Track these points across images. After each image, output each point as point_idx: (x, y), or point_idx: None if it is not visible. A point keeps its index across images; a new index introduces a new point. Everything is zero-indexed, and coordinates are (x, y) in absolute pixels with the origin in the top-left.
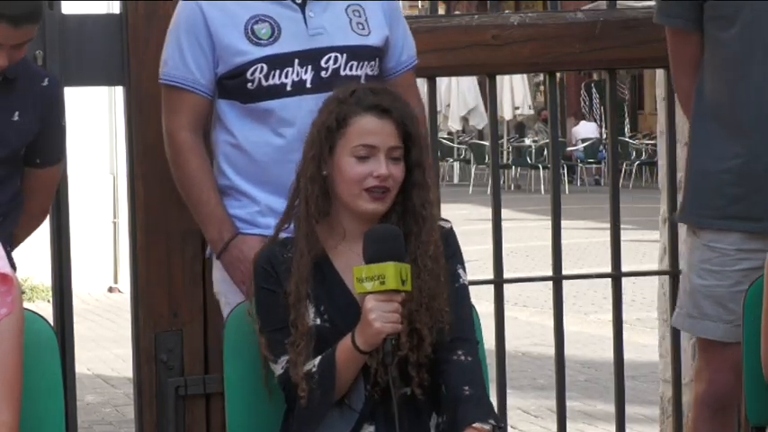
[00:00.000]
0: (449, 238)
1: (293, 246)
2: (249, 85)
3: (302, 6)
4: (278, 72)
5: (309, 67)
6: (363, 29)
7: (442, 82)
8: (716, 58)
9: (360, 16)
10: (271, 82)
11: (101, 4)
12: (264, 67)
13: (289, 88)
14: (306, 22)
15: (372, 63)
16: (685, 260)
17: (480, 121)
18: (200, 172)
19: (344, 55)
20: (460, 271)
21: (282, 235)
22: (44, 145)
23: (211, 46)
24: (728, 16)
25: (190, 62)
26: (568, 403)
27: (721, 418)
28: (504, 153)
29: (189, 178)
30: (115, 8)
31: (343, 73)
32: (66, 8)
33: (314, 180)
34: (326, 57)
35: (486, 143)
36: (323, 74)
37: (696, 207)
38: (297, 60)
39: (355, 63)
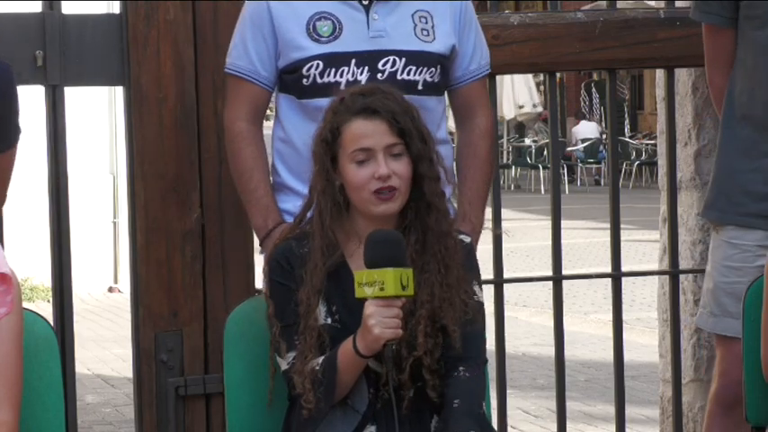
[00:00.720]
0: (469, 253)
1: (309, 243)
2: (304, 81)
3: (367, 8)
4: (333, 70)
5: (366, 68)
6: (428, 35)
7: None
8: (748, 57)
9: (426, 22)
10: (325, 80)
11: (101, 4)
12: (320, 64)
13: (342, 87)
14: (368, 24)
15: (433, 70)
16: (708, 260)
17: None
18: (252, 161)
19: (403, 59)
20: (476, 288)
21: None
22: None
23: (274, 39)
24: (762, 16)
25: (252, 53)
26: (568, 403)
27: (734, 417)
28: (504, 153)
29: (240, 166)
30: (115, 8)
31: (399, 77)
32: (66, 8)
33: (324, 192)
34: (384, 59)
35: None
36: (379, 76)
37: (720, 204)
38: (354, 60)
39: (414, 68)
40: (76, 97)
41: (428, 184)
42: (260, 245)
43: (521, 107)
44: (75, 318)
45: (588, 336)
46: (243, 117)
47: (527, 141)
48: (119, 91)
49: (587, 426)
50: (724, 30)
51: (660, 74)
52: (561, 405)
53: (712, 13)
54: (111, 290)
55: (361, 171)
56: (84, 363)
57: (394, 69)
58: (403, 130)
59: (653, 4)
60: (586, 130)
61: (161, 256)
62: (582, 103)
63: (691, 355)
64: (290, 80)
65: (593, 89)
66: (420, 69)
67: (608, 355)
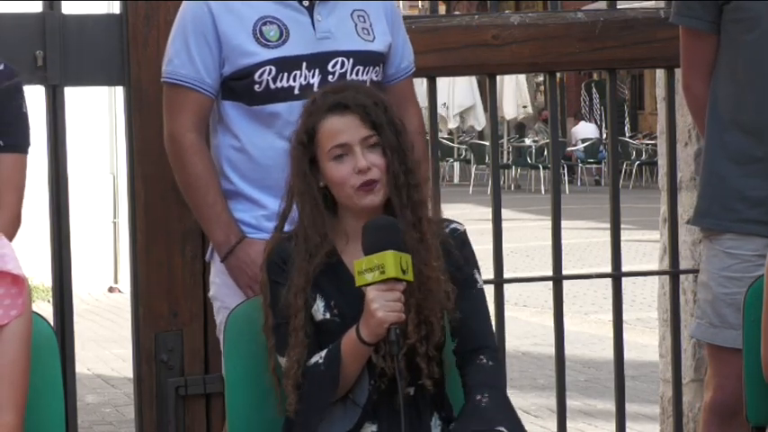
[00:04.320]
0: (464, 242)
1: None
2: (256, 87)
3: (310, 9)
4: (286, 75)
5: (317, 70)
6: (368, 34)
7: (441, 82)
8: (737, 61)
9: (364, 22)
10: (279, 85)
11: (101, 4)
12: (273, 69)
13: (296, 92)
14: (314, 26)
15: (377, 69)
16: (702, 269)
17: (480, 121)
18: (207, 174)
19: (351, 60)
20: (477, 276)
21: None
22: (7, 127)
23: (218, 46)
24: (751, 19)
25: (197, 61)
26: (568, 403)
27: (729, 426)
28: (505, 153)
29: (195, 181)
30: (115, 8)
31: (349, 78)
32: (67, 8)
33: (304, 195)
34: (333, 61)
35: (487, 143)
36: (330, 78)
37: (715, 211)
38: (305, 64)
39: (361, 68)
40: (76, 97)
41: (403, 176)
42: (222, 261)
43: (524, 107)
44: (75, 318)
45: (588, 336)
46: (191, 128)
47: (527, 141)
48: (119, 91)
49: (587, 425)
50: (705, 34)
51: (660, 74)
52: (561, 405)
53: (693, 17)
54: (111, 290)
55: (341, 167)
56: (84, 363)
57: (343, 71)
58: (375, 122)
59: (653, 4)
60: (586, 130)
61: (161, 256)
62: (582, 103)
63: (691, 355)
64: (239, 87)
65: (594, 89)
66: (366, 69)
67: (608, 355)
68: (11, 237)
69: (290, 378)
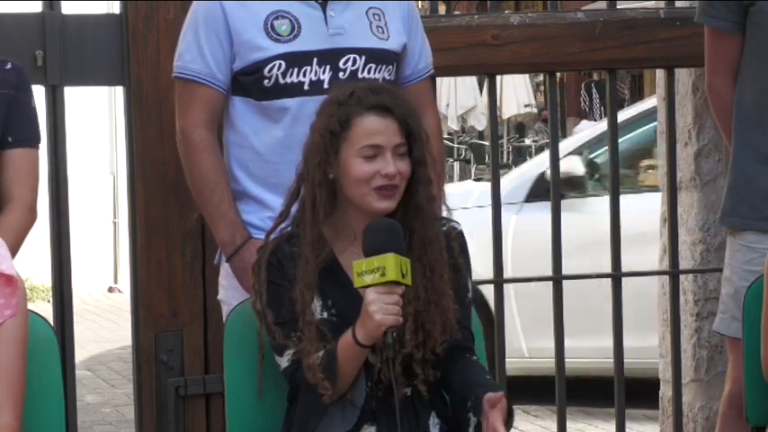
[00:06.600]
0: (462, 245)
1: (298, 241)
2: (266, 81)
3: (323, 5)
4: (296, 70)
5: (328, 66)
6: (383, 33)
7: (442, 82)
8: (762, 62)
9: (380, 20)
10: (288, 80)
11: (101, 4)
12: (283, 64)
13: (306, 87)
14: (326, 22)
15: (390, 67)
16: (726, 265)
17: (481, 122)
18: (215, 172)
19: (363, 57)
20: (469, 284)
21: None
22: (15, 123)
23: (229, 41)
24: None
25: (208, 56)
26: (568, 403)
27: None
28: (504, 153)
29: (202, 178)
30: (115, 8)
31: (360, 75)
32: (66, 8)
33: (321, 185)
34: (345, 58)
35: (487, 143)
36: (341, 75)
37: (741, 210)
38: (315, 59)
39: (373, 66)
40: (76, 97)
41: (421, 188)
42: (227, 260)
43: (527, 106)
44: (75, 318)
45: None
46: (201, 124)
47: (527, 141)
48: (119, 91)
49: (587, 426)
50: (729, 35)
51: (660, 74)
52: (561, 405)
53: (718, 17)
54: (111, 290)
55: (368, 166)
56: (84, 363)
57: (355, 68)
58: (410, 131)
59: (653, 4)
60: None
61: (161, 256)
62: (582, 103)
63: (691, 355)
64: (249, 82)
65: (594, 89)
66: (379, 67)
67: None
68: (26, 230)
69: (315, 369)
